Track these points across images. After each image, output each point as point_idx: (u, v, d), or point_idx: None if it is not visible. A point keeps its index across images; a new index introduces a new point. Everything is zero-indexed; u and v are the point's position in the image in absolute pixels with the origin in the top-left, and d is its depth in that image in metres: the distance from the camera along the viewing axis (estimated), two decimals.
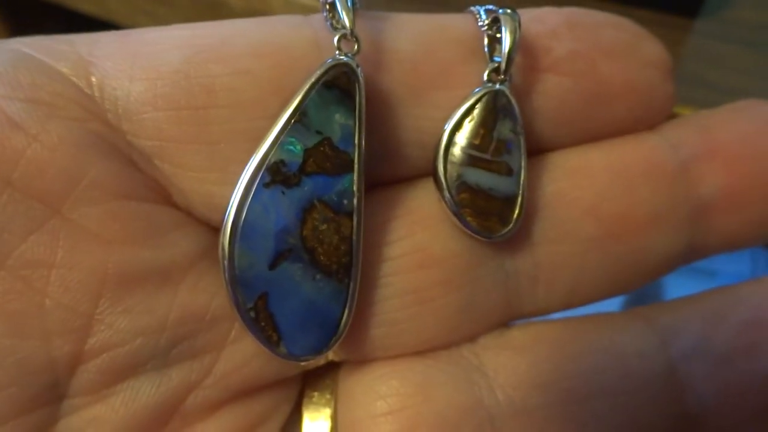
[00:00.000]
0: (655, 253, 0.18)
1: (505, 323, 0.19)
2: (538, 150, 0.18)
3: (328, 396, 0.18)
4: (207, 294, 0.16)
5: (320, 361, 0.18)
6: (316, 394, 0.18)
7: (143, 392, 0.15)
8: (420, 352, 0.18)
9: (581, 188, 0.18)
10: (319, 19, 0.17)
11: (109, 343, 0.15)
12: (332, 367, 0.18)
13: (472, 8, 0.18)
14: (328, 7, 0.16)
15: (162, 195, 0.16)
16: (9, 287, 0.14)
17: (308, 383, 0.18)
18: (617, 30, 0.18)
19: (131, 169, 0.15)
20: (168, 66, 0.15)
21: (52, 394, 0.15)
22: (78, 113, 0.15)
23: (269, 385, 0.17)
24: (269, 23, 0.17)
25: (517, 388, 0.17)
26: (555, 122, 0.18)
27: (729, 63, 0.27)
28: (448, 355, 0.18)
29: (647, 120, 0.19)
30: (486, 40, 0.17)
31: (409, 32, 0.17)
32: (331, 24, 0.16)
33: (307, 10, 0.26)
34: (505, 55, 0.16)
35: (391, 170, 0.17)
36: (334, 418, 0.17)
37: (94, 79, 0.15)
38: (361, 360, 0.18)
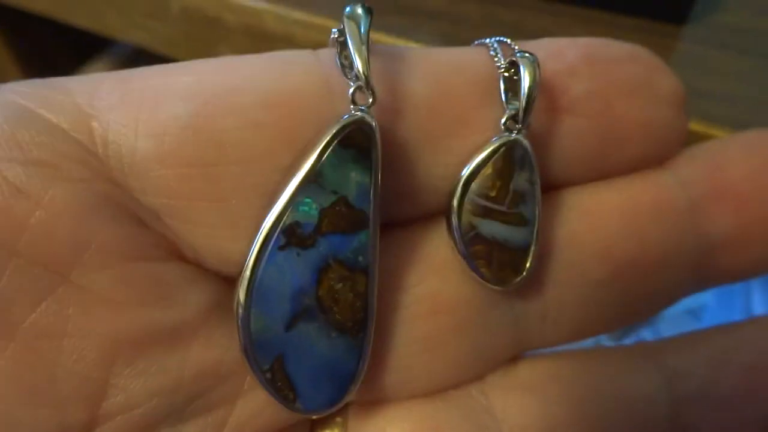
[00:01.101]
0: (663, 292, 0.18)
1: (511, 359, 0.19)
2: (548, 187, 0.18)
3: None
4: (220, 348, 0.16)
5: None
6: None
7: None
8: (430, 394, 0.18)
9: (592, 231, 0.18)
10: (328, 57, 0.16)
11: (124, 406, 0.15)
12: (342, 407, 0.18)
13: (484, 41, 0.18)
14: (339, 45, 0.16)
15: (171, 251, 0.15)
16: (20, 359, 0.14)
17: (317, 423, 0.18)
18: (635, 64, 0.18)
19: (139, 229, 0.15)
20: (174, 120, 0.14)
21: None
22: (82, 174, 0.14)
23: (281, 430, 0.17)
24: (278, 65, 0.16)
25: (525, 431, 0.18)
26: (568, 162, 0.18)
27: (718, 69, 0.27)
28: (458, 396, 0.18)
29: (660, 157, 0.18)
30: (502, 85, 0.16)
31: (423, 73, 0.16)
32: (341, 62, 0.16)
33: (301, 25, 0.25)
34: (524, 104, 0.16)
35: (404, 213, 0.17)
36: None
37: (96, 135, 0.14)
38: (371, 401, 0.18)
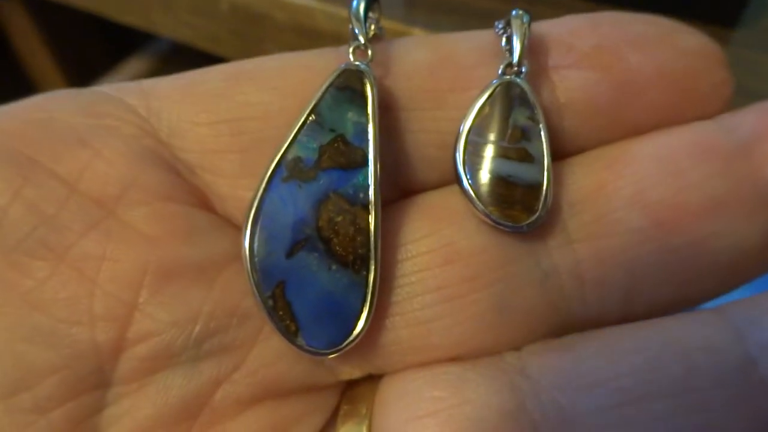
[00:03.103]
0: (723, 247, 0.16)
1: (556, 333, 0.17)
2: (576, 149, 0.18)
3: (364, 411, 0.17)
4: (239, 294, 0.17)
5: (354, 373, 0.17)
6: (350, 407, 0.17)
7: (175, 384, 0.16)
8: (457, 358, 0.17)
9: (622, 177, 0.17)
10: (345, 48, 0.18)
11: (148, 332, 0.16)
12: (370, 382, 0.18)
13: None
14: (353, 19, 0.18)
15: (203, 201, 0.17)
16: (67, 277, 0.16)
17: (345, 397, 0.18)
18: (647, 24, 0.18)
19: (176, 178, 0.17)
20: (209, 88, 0.18)
21: (98, 379, 0.16)
22: (134, 131, 0.17)
23: (300, 391, 0.17)
24: (302, 53, 0.19)
25: (563, 390, 0.15)
26: (585, 117, 0.17)
27: None
28: (488, 360, 0.16)
29: (696, 109, 0.17)
30: (504, 42, 0.17)
31: (426, 43, 0.18)
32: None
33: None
34: (517, 47, 0.17)
35: (416, 175, 0.18)
36: (369, 430, 0.17)
37: (151, 106, 0.18)
38: (396, 369, 0.17)
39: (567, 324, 0.17)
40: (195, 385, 0.16)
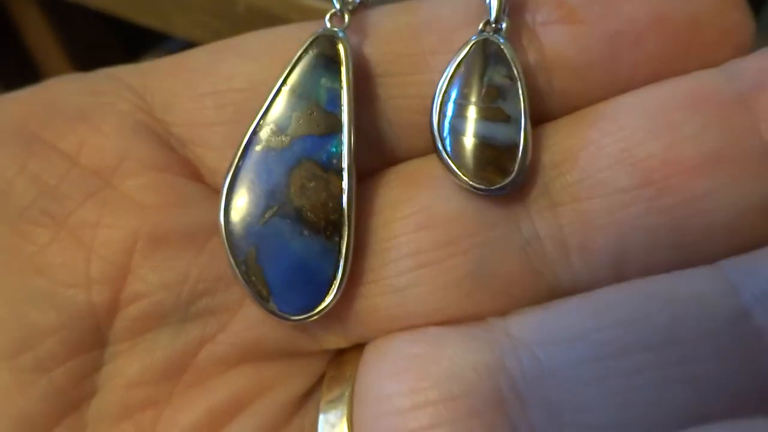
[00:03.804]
0: (720, 207, 0.15)
1: (543, 301, 0.16)
2: (567, 110, 0.17)
3: (348, 374, 0.17)
4: (225, 260, 0.17)
5: (340, 342, 0.17)
6: (336, 372, 0.17)
7: (161, 343, 0.17)
8: (439, 324, 0.16)
9: (608, 134, 0.15)
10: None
11: (140, 293, 0.17)
12: (357, 349, 0.18)
13: None
14: None
15: (194, 172, 0.18)
16: (66, 242, 0.17)
17: (332, 363, 0.18)
18: None
19: (169, 151, 0.18)
20: (196, 63, 0.18)
21: (96, 339, 0.17)
22: (129, 108, 0.18)
23: (283, 355, 0.17)
24: (289, 26, 0.19)
25: (541, 345, 0.15)
26: (575, 74, 0.16)
27: None
28: (471, 323, 0.16)
29: (702, 59, 0.16)
30: (487, 0, 0.17)
31: (407, 9, 0.17)
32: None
33: None
34: (495, 1, 0.16)
35: (400, 143, 0.17)
36: (352, 392, 0.17)
37: (147, 83, 0.19)
38: (377, 336, 0.17)
39: (554, 291, 0.16)
40: (180, 345, 0.17)
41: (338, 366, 0.17)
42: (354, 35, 0.17)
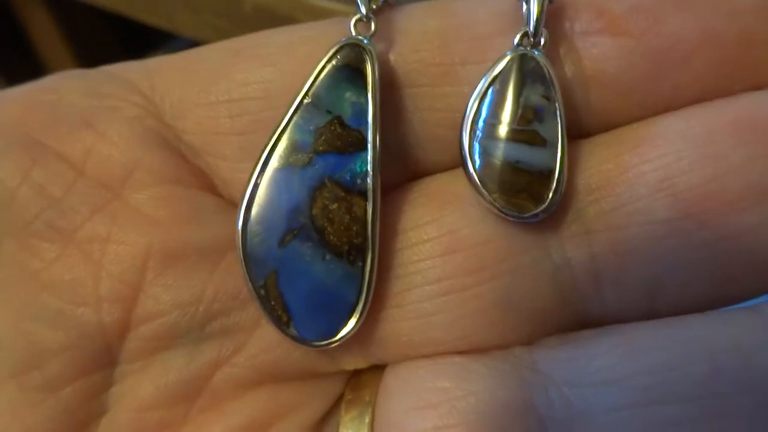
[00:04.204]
0: (763, 243, 0.14)
1: (569, 328, 0.16)
2: (604, 128, 0.16)
3: (367, 398, 0.17)
4: (241, 279, 0.16)
5: (358, 363, 0.17)
6: (354, 395, 0.17)
7: (176, 364, 0.16)
8: (463, 353, 0.16)
9: (648, 160, 0.15)
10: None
11: (152, 313, 0.16)
12: (375, 370, 0.17)
13: None
14: None
15: (207, 184, 0.17)
16: (74, 259, 0.16)
17: (349, 385, 0.17)
18: None
19: (181, 160, 0.17)
20: (209, 66, 0.17)
21: (106, 358, 0.16)
22: (138, 112, 0.17)
23: (301, 377, 0.17)
24: (307, 25, 0.18)
25: (573, 386, 0.14)
26: (616, 91, 0.15)
27: None
28: (496, 353, 0.15)
29: (751, 80, 0.15)
30: (524, 7, 0.16)
31: (436, 10, 0.16)
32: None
33: None
34: (534, 14, 0.15)
35: (425, 158, 0.17)
36: (372, 419, 0.16)
37: (155, 85, 0.17)
38: (398, 361, 0.16)
39: (583, 322, 0.16)
40: (195, 366, 0.16)
41: (356, 389, 0.17)
42: (379, 41, 0.16)
